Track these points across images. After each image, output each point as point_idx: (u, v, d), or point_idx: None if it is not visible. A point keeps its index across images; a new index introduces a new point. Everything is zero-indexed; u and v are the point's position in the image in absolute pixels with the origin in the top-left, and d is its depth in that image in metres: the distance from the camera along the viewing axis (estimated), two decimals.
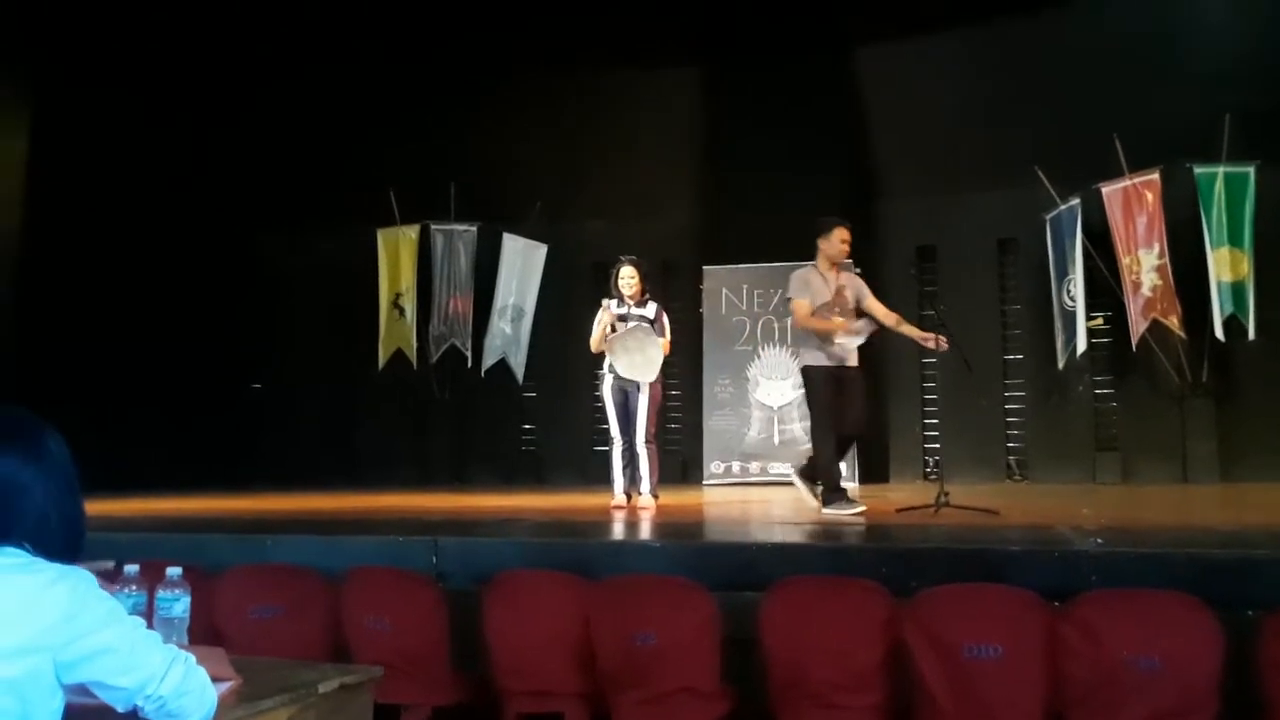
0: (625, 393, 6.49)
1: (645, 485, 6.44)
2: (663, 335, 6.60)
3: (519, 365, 11.01)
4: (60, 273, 9.80)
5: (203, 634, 2.50)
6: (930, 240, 10.74)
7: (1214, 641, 2.86)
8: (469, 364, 11.01)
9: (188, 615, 2.36)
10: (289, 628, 3.58)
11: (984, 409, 10.36)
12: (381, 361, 11.08)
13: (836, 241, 6.15)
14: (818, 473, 6.05)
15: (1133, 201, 9.18)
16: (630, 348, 6.52)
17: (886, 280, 10.63)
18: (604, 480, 9.16)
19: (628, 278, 6.53)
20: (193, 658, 1.92)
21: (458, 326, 11.04)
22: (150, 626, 1.94)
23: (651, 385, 6.50)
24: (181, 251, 10.75)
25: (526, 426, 11.68)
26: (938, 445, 10.63)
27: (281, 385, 11.67)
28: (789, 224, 9.98)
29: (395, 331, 11.08)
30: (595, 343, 6.57)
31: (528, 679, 3.52)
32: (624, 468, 6.52)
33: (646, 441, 6.45)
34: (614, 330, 6.50)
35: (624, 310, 6.53)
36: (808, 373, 6.05)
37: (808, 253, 10.09)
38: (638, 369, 6.56)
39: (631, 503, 6.45)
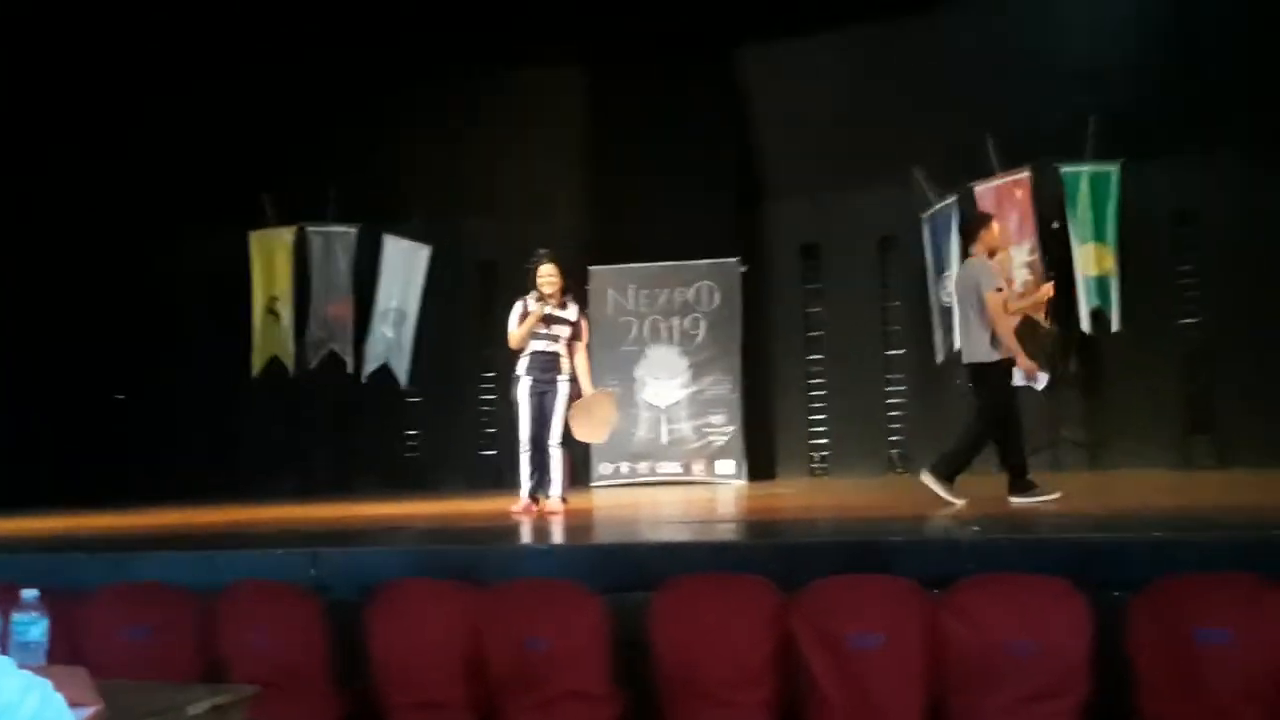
0: (541, 394, 6.34)
1: (555, 489, 6.33)
2: (580, 339, 6.48)
3: (402, 370, 10.80)
4: None
5: (67, 659, 2.35)
6: (814, 239, 10.95)
7: (1085, 623, 2.96)
8: (350, 369, 10.74)
9: (46, 640, 2.23)
10: (161, 649, 3.43)
11: (868, 404, 10.61)
12: (256, 368, 10.74)
13: (996, 231, 6.01)
14: (1009, 464, 5.77)
15: (1005, 199, 9.52)
16: (586, 411, 6.38)
17: (773, 278, 10.82)
18: (491, 485, 9.08)
19: (548, 275, 6.36)
20: (49, 684, 1.80)
21: (337, 331, 10.76)
22: (4, 652, 1.82)
23: (570, 385, 6.37)
24: (48, 255, 10.23)
25: (411, 432, 11.47)
26: (825, 440, 10.84)
27: (154, 394, 11.16)
28: (674, 223, 10.10)
29: (271, 337, 10.74)
30: (517, 339, 6.39)
31: (414, 691, 3.44)
32: (532, 470, 6.37)
33: (559, 443, 6.33)
34: (536, 319, 6.30)
35: (547, 310, 6.36)
36: (997, 368, 5.73)
37: (693, 251, 10.24)
38: (591, 431, 6.49)
39: (540, 506, 6.32)
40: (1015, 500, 5.66)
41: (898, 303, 10.79)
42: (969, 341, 5.96)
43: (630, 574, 3.82)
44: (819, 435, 10.87)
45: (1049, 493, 5.65)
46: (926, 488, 5.75)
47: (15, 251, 10.00)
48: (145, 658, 3.30)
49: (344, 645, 3.55)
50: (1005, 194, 9.52)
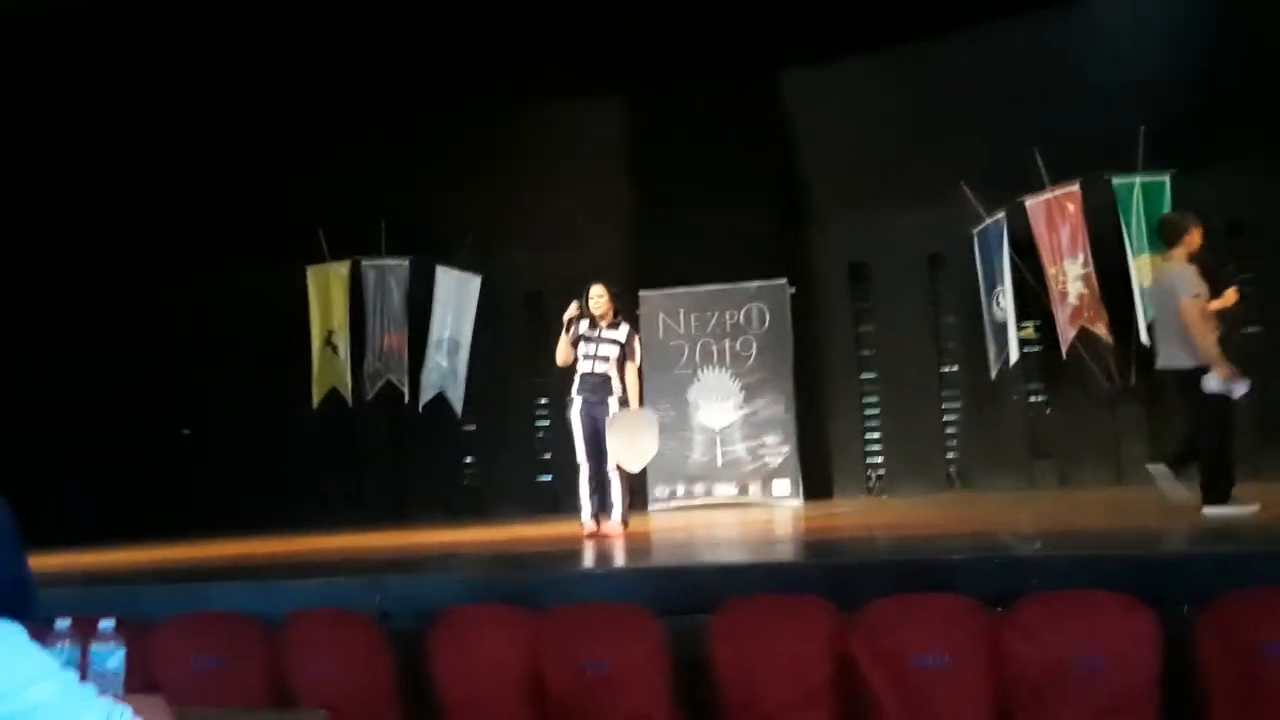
0: (594, 418, 6.37)
1: (616, 512, 6.34)
2: (632, 359, 6.50)
3: (457, 399, 10.91)
4: None
5: (141, 688, 2.41)
6: (862, 257, 10.91)
7: (1152, 638, 2.91)
8: (406, 399, 10.89)
9: (123, 669, 2.29)
10: (231, 677, 3.49)
11: (923, 421, 10.52)
12: (316, 400, 10.91)
13: (1198, 236, 5.81)
14: (1217, 479, 5.48)
15: (1055, 213, 9.42)
16: (629, 430, 6.39)
17: (822, 298, 10.79)
18: (548, 510, 9.13)
19: (596, 296, 6.43)
20: (129, 710, 1.86)
21: (393, 362, 10.92)
22: (84, 680, 1.89)
23: (623, 407, 6.38)
24: (108, 296, 10.52)
25: (467, 459, 11.58)
26: (880, 459, 10.76)
27: (214, 429, 11.41)
28: (722, 246, 10.13)
29: (329, 369, 10.92)
30: (561, 355, 6.45)
31: (478, 715, 3.47)
32: (591, 493, 6.40)
33: (616, 466, 6.35)
34: (575, 331, 6.34)
35: (595, 332, 6.41)
36: (1197, 374, 5.50)
37: (742, 273, 10.25)
38: (629, 457, 6.44)
39: (600, 529, 6.34)
40: (1210, 512, 5.40)
41: (950, 319, 10.70)
42: (1167, 347, 5.74)
43: (689, 596, 3.83)
44: (875, 454, 10.80)
45: (1247, 504, 5.37)
46: (1217, 518, 5.35)
47: (78, 292, 10.30)
48: (215, 686, 3.37)
49: (407, 671, 3.60)
50: (1056, 207, 9.43)
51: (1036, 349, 10.21)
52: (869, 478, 10.75)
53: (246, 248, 10.76)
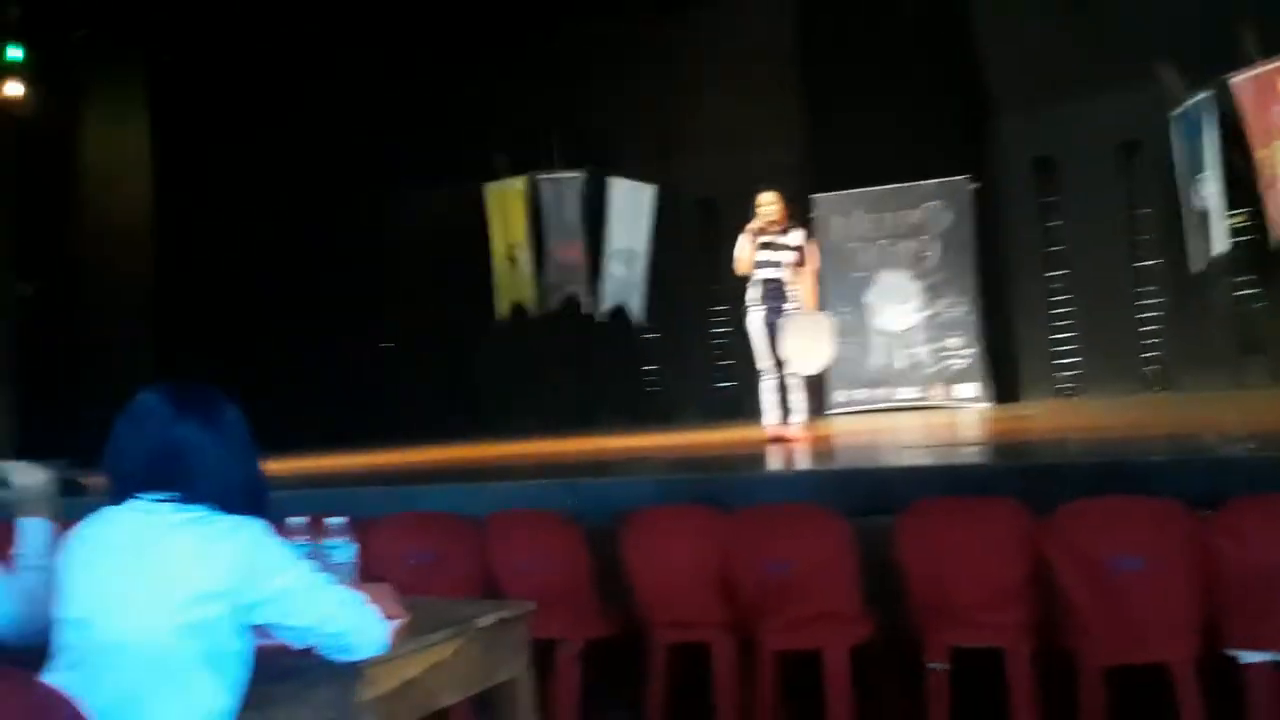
0: (773, 324, 6.39)
1: (795, 416, 6.38)
2: (809, 263, 6.46)
3: (636, 308, 11.10)
4: (191, 250, 10.30)
5: (366, 579, 2.64)
6: (1048, 150, 10.34)
7: None
8: (586, 310, 11.15)
9: (353, 560, 2.50)
10: (442, 571, 3.75)
11: (1118, 319, 10.01)
12: (500, 313, 11.32)
13: None
14: None
15: (1265, 91, 8.63)
16: (804, 334, 6.38)
17: (1006, 194, 10.33)
18: (729, 415, 9.24)
19: (766, 204, 6.39)
20: (364, 597, 2.05)
21: (573, 274, 11.19)
22: (320, 571, 2.08)
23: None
24: (302, 220, 11.14)
25: (649, 367, 11.80)
26: (1073, 359, 10.33)
27: (411, 343, 12.05)
28: (898, 144, 9.80)
29: (512, 283, 11.29)
30: (743, 266, 6.47)
31: (672, 611, 3.62)
32: (775, 399, 6.45)
33: (795, 372, 6.38)
34: (754, 247, 6.34)
35: (770, 239, 6.40)
36: None
37: (919, 171, 9.91)
38: (806, 357, 6.39)
39: (783, 434, 6.41)
40: None
41: (1146, 210, 10.06)
42: None
43: (874, 498, 3.85)
44: (1066, 354, 10.36)
45: None
46: None
47: (281, 218, 10.95)
48: (429, 578, 3.62)
49: (601, 567, 3.77)
50: (1265, 85, 8.62)
51: (1245, 239, 9.49)
52: (1060, 379, 10.35)
53: (429, 169, 11.15)
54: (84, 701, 1.76)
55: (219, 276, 10.39)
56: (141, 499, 1.95)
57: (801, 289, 6.43)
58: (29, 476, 2.22)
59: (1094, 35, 9.17)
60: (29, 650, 2.01)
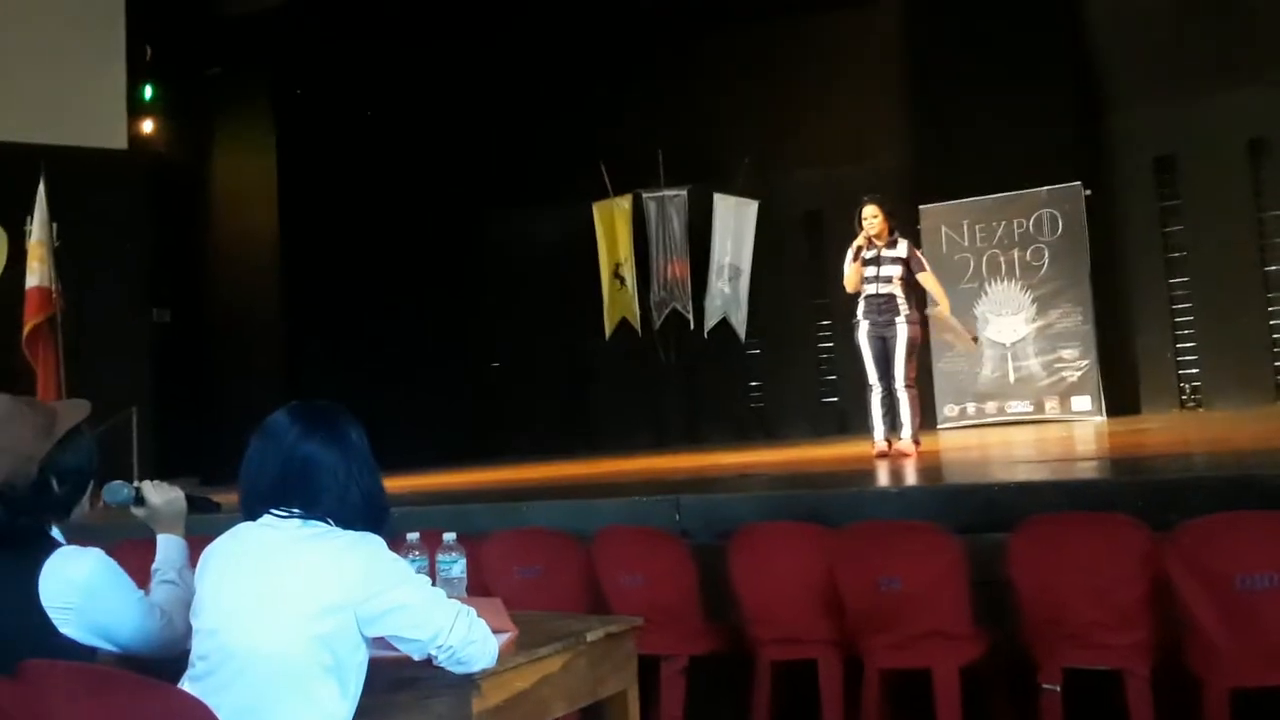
0: (882, 338, 6.31)
1: (906, 430, 6.28)
2: (922, 269, 6.40)
3: (740, 323, 11.11)
4: (315, 276, 10.71)
5: (476, 592, 2.72)
6: (1168, 150, 9.97)
7: None
8: (692, 326, 11.20)
9: (465, 575, 2.58)
10: (549, 586, 3.82)
11: (1246, 327, 9.58)
12: (608, 331, 11.45)
13: None
14: None
15: None
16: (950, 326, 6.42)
17: (1122, 198, 10.01)
18: (836, 430, 9.16)
19: (869, 217, 6.32)
20: (474, 610, 2.11)
21: (678, 290, 11.26)
22: (433, 585, 2.16)
23: (909, 327, 6.28)
24: (417, 243, 11.48)
25: (754, 383, 11.78)
26: (1196, 370, 9.92)
27: (518, 361, 12.28)
28: (1006, 152, 9.59)
29: (618, 301, 11.42)
30: (851, 285, 6.44)
31: (778, 628, 3.61)
32: (883, 414, 6.39)
33: (906, 386, 6.27)
34: (860, 255, 6.33)
35: (875, 253, 6.36)
36: None
37: (1030, 179, 9.68)
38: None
39: (892, 449, 6.34)
40: None
41: (1276, 212, 9.62)
42: None
43: (985, 515, 3.78)
44: (1188, 364, 9.96)
45: None
46: None
47: (397, 243, 11.30)
48: (538, 592, 3.70)
49: (708, 584, 3.79)
50: None
51: None
52: (1182, 390, 9.94)
53: (539, 190, 11.38)
54: (215, 708, 1.86)
55: (341, 300, 10.79)
56: (271, 514, 2.06)
57: (927, 287, 6.39)
58: (164, 495, 2.34)
59: (1216, 27, 8.82)
60: (165, 660, 2.13)
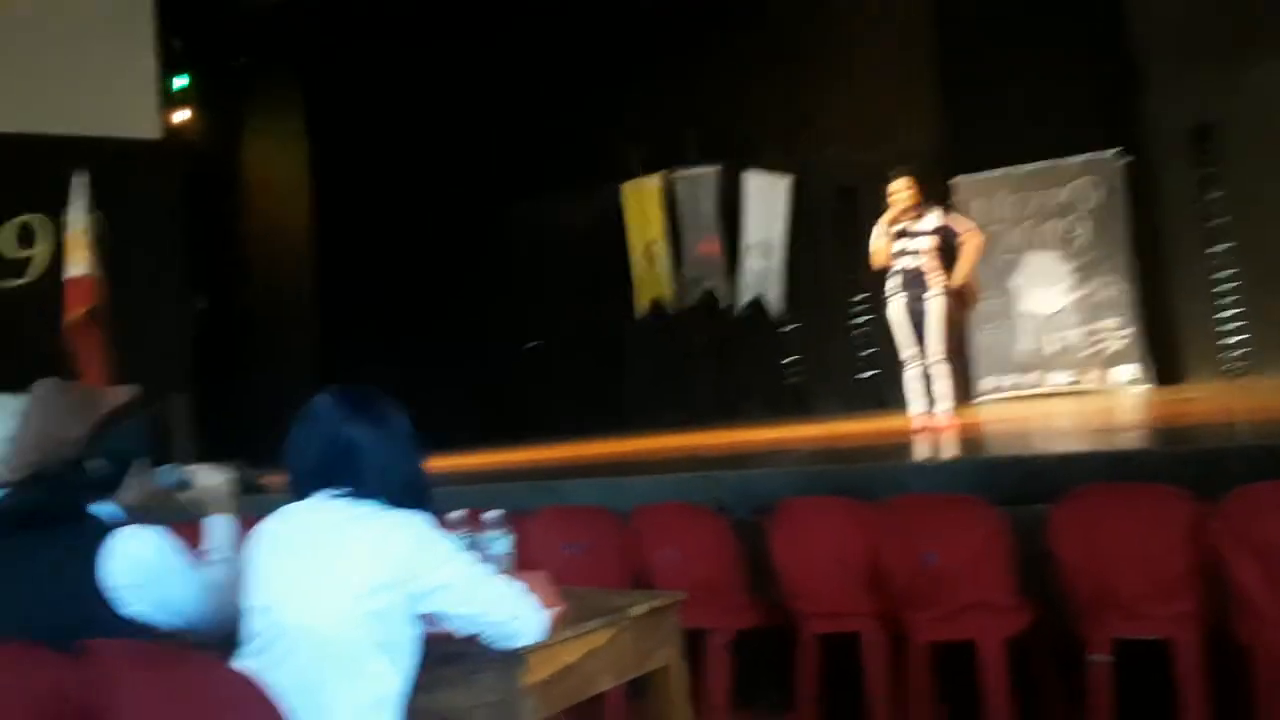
0: (915, 312, 6.27)
1: (942, 405, 6.25)
2: (965, 229, 6.27)
3: (774, 300, 11.08)
4: (349, 260, 10.81)
5: (522, 569, 2.74)
6: (1209, 117, 9.78)
7: None
8: (725, 304, 11.18)
9: (511, 552, 2.61)
10: (593, 562, 3.85)
11: None
12: (639, 310, 11.45)
13: None
14: None
15: None
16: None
17: (1162, 166, 9.84)
18: (872, 406, 9.11)
19: (897, 191, 6.28)
20: (524, 585, 2.14)
21: (710, 268, 11.23)
22: (480, 562, 2.19)
23: (942, 300, 6.18)
24: (449, 225, 11.53)
25: (788, 359, 11.74)
26: (1242, 337, 9.75)
27: (553, 341, 12.33)
28: (1043, 120, 9.46)
29: (650, 280, 11.41)
30: (878, 259, 6.37)
31: (821, 602, 3.62)
32: (919, 389, 6.34)
33: (941, 359, 6.23)
34: (890, 237, 6.24)
35: (903, 226, 6.29)
36: None
37: (1065, 148, 9.54)
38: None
39: (930, 423, 6.29)
40: None
41: None
42: None
43: (1027, 487, 3.76)
44: (1234, 332, 9.80)
45: None
46: None
47: (428, 226, 11.36)
48: (581, 569, 3.72)
49: (748, 560, 3.80)
50: None
51: None
52: (1226, 358, 9.80)
53: (568, 171, 11.37)
54: (270, 684, 1.90)
55: (375, 284, 10.88)
56: (318, 495, 2.09)
57: (965, 250, 6.21)
58: (212, 478, 2.38)
59: None
60: (219, 638, 2.17)
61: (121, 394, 2.27)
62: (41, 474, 2.11)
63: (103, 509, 2.18)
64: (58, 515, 2.11)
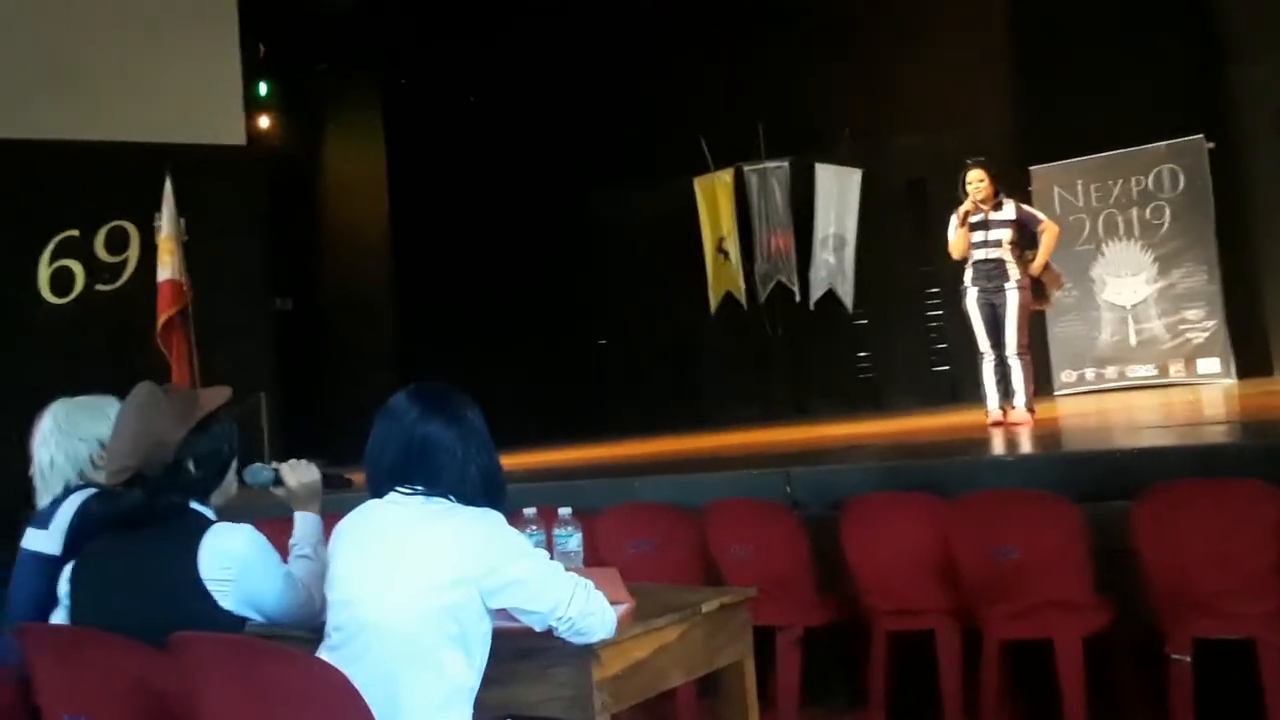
0: (992, 305, 6.19)
1: (1019, 399, 6.15)
2: (1039, 224, 6.20)
3: (847, 294, 11.00)
4: (426, 260, 11.01)
5: (592, 565, 2.78)
6: None
7: None
8: (797, 298, 11.13)
9: (581, 549, 2.65)
10: (663, 559, 3.88)
11: None
12: (714, 306, 11.46)
13: None
14: None
15: None
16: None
17: (1249, 151, 9.53)
18: (947, 400, 9.01)
19: (975, 181, 6.18)
20: (592, 583, 2.17)
21: (782, 263, 11.19)
22: (551, 559, 2.23)
23: (1020, 292, 6.11)
24: (523, 223, 11.68)
25: (861, 354, 11.65)
26: None
27: (625, 338, 12.40)
28: (1123, 106, 9.22)
29: (723, 275, 11.41)
30: (958, 250, 6.30)
31: (894, 598, 3.61)
32: (996, 382, 6.27)
33: (1019, 353, 6.12)
34: (967, 223, 6.17)
35: (980, 217, 6.22)
36: None
37: (1147, 134, 9.29)
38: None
39: (1007, 418, 6.21)
40: None
41: None
42: None
43: (1107, 482, 3.69)
44: None
45: None
46: None
47: (503, 224, 11.52)
48: (651, 565, 3.75)
49: (820, 556, 3.80)
50: None
51: None
52: None
53: (641, 166, 11.42)
54: (350, 677, 1.96)
55: (451, 283, 11.08)
56: (397, 491, 2.15)
57: (1042, 241, 6.15)
58: (301, 475, 2.46)
59: None
60: (305, 631, 2.25)
61: (216, 396, 2.34)
62: (142, 475, 2.19)
63: (201, 507, 2.26)
64: (162, 515, 2.19)
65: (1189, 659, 3.08)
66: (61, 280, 9.48)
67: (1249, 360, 9.16)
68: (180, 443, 2.21)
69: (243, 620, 2.19)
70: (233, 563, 2.15)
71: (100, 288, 9.60)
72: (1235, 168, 9.43)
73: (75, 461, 2.57)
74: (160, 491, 2.19)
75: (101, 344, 8.93)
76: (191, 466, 2.23)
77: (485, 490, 2.16)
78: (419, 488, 2.13)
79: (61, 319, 9.38)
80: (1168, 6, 9.41)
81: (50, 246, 9.44)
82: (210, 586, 2.13)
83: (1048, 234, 6.20)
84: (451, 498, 2.13)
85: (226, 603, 2.15)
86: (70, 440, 2.57)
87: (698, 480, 4.81)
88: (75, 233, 9.52)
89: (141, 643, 2.06)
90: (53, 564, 2.38)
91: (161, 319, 8.54)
